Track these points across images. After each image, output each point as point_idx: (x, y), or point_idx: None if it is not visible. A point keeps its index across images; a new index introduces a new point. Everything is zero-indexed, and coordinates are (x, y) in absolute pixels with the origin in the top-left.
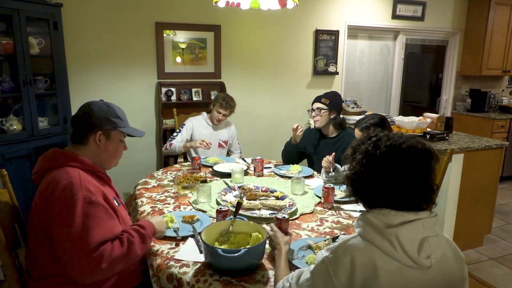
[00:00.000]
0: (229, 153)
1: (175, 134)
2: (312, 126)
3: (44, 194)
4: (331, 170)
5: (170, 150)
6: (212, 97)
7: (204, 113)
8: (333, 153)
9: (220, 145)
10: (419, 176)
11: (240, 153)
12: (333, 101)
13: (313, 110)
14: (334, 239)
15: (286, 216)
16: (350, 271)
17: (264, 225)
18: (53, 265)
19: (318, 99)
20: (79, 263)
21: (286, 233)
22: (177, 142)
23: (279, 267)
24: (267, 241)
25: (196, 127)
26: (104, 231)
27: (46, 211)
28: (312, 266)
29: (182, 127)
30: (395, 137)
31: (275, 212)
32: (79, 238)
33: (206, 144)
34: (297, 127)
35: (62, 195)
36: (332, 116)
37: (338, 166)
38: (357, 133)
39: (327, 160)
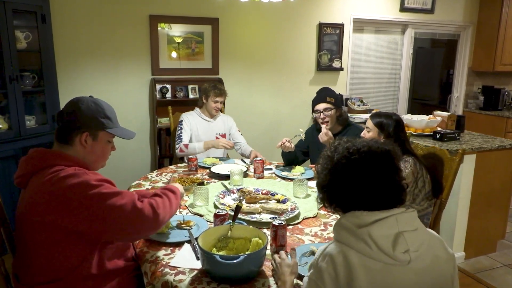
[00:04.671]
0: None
1: (179, 132)
2: (303, 138)
3: (47, 197)
4: None
5: (188, 152)
6: None
7: (197, 109)
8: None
9: (217, 139)
10: (382, 177)
11: (245, 142)
12: (337, 99)
13: (319, 112)
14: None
15: (283, 222)
16: (334, 275)
17: (269, 252)
18: (47, 271)
19: (322, 100)
20: (140, 221)
21: (283, 245)
22: (189, 141)
23: None
24: (271, 273)
25: (193, 123)
26: (133, 193)
27: (61, 211)
28: None
29: (181, 125)
30: (356, 142)
31: (276, 216)
32: (122, 204)
33: (230, 145)
34: (281, 144)
35: (74, 186)
36: (338, 114)
37: None
38: (369, 122)
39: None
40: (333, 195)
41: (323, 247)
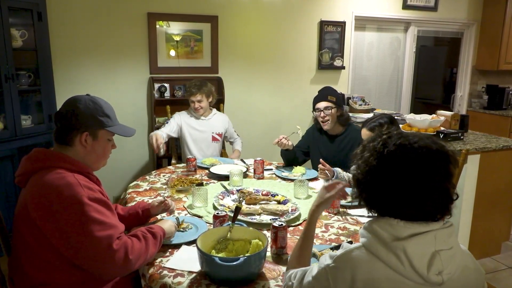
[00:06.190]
0: (225, 146)
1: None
2: (300, 134)
3: (38, 199)
4: (331, 178)
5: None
6: None
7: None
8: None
9: (214, 139)
10: (432, 181)
11: (241, 142)
12: (338, 98)
13: (320, 110)
14: (333, 249)
15: (283, 224)
16: (350, 285)
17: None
18: (40, 274)
19: (323, 98)
20: (110, 262)
21: (283, 247)
22: (178, 136)
23: (295, 246)
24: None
25: (185, 121)
26: (118, 225)
27: (46, 218)
28: (315, 269)
29: (169, 120)
30: (408, 135)
31: (276, 217)
32: (99, 237)
33: (157, 146)
34: (277, 141)
35: (65, 198)
36: (338, 114)
37: (338, 169)
38: (365, 133)
39: (322, 169)
40: (371, 196)
41: (353, 246)
